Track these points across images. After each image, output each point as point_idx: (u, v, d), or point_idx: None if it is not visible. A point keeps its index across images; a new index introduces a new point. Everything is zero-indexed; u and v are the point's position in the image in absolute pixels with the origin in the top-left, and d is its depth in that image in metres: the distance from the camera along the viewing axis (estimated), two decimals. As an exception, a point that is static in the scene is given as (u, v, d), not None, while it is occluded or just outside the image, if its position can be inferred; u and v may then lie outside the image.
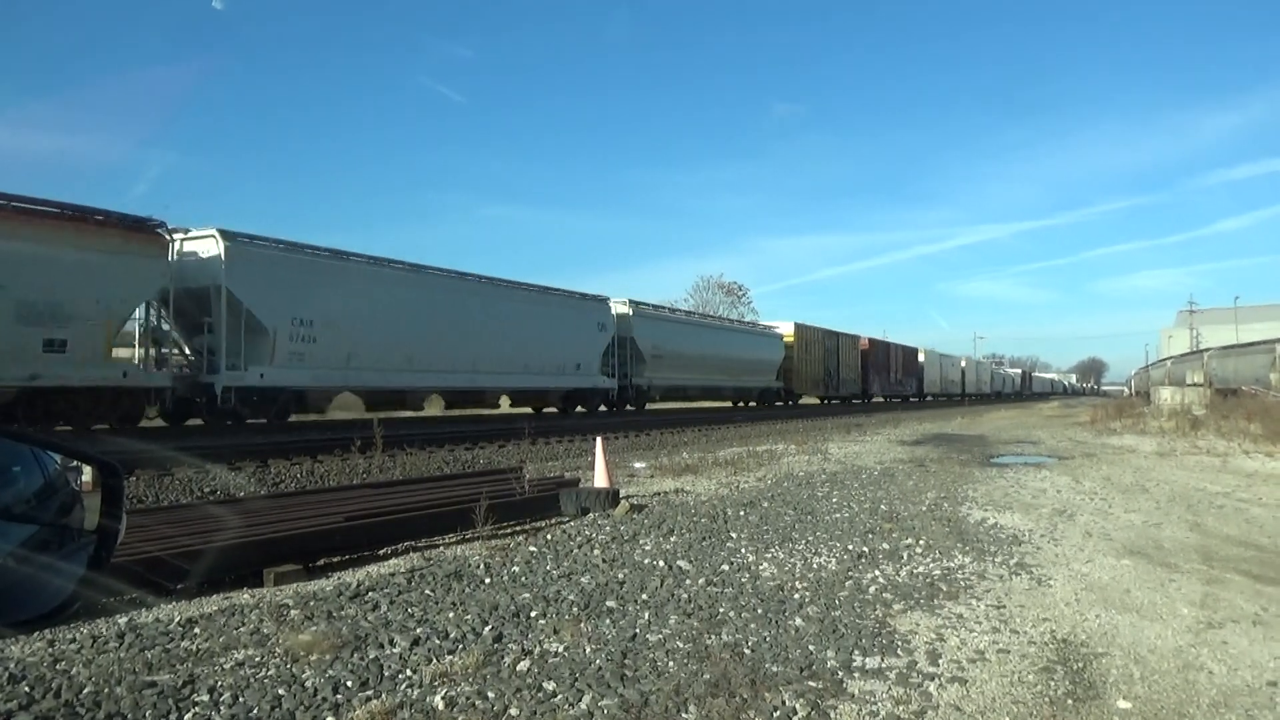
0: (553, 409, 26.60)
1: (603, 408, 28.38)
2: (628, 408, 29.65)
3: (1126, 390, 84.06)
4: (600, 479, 8.20)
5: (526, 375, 24.39)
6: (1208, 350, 45.73)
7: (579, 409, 27.23)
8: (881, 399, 52.94)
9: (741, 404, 37.90)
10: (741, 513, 7.40)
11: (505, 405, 25.43)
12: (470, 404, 23.39)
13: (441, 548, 6.26)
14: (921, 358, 61.81)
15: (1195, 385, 33.73)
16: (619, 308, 29.25)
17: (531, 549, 5.81)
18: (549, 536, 6.30)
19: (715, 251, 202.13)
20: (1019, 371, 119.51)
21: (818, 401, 44.37)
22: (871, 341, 51.41)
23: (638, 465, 12.06)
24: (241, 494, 9.22)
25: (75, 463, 1.41)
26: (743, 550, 5.83)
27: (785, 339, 40.62)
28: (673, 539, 6.16)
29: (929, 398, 62.70)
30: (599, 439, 8.79)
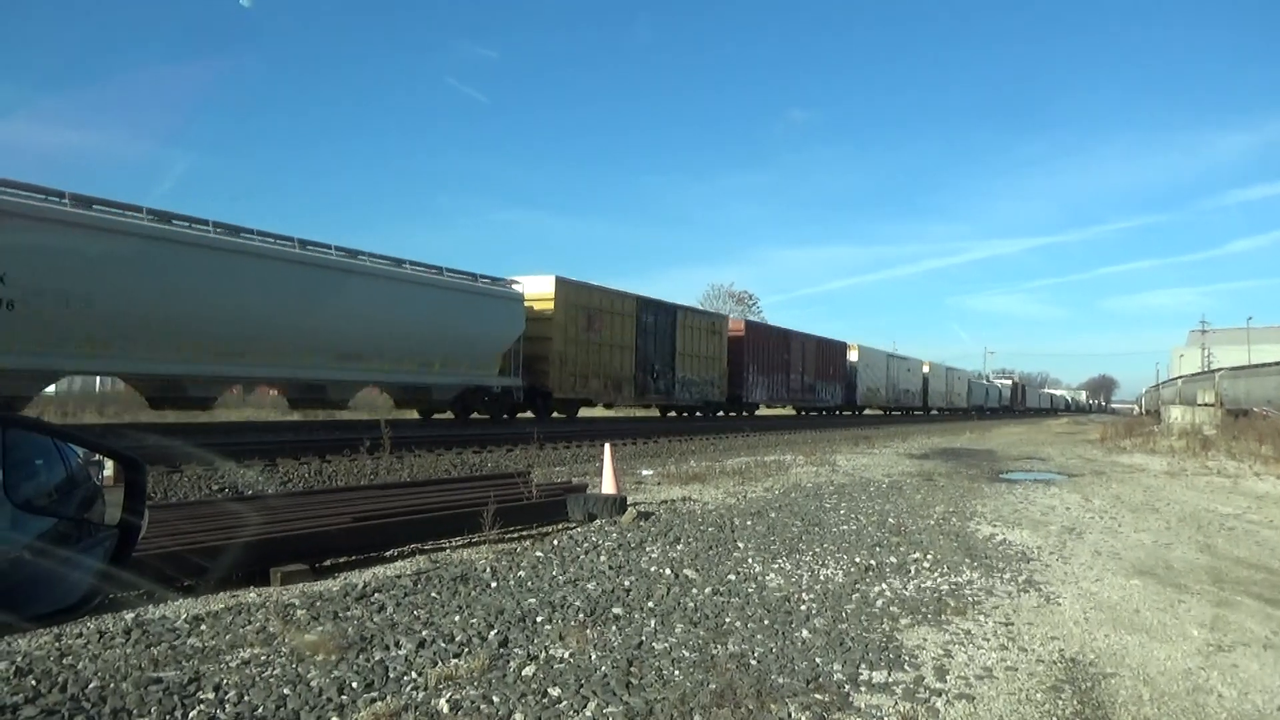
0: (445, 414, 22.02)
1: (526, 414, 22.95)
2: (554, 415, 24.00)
3: (1136, 409, 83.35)
4: (608, 485, 8.19)
5: (396, 370, 19.06)
6: (1219, 370, 45.46)
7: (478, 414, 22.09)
8: (774, 411, 39.53)
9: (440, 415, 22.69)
10: (749, 522, 7.39)
11: (385, 407, 21.11)
12: (317, 402, 18.59)
13: (448, 551, 6.26)
14: (853, 356, 46.86)
15: (1206, 405, 33.53)
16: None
17: (538, 554, 5.81)
18: (556, 542, 6.30)
19: (726, 260, 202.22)
20: (1009, 383, 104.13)
21: (606, 411, 29.57)
22: (751, 326, 37.20)
23: (645, 472, 12.05)
24: (249, 492, 9.25)
25: (97, 456, 1.42)
26: (750, 560, 5.82)
27: (531, 303, 22.86)
28: (679, 547, 6.15)
29: (863, 410, 48.91)
30: (607, 445, 8.78)
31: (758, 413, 37.19)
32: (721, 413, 34.01)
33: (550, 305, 23.83)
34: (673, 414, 32.25)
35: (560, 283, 24.17)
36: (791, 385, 39.14)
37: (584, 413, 27.10)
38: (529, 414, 23.71)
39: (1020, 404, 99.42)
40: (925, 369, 61.72)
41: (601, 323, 25.84)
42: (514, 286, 22.38)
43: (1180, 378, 57.97)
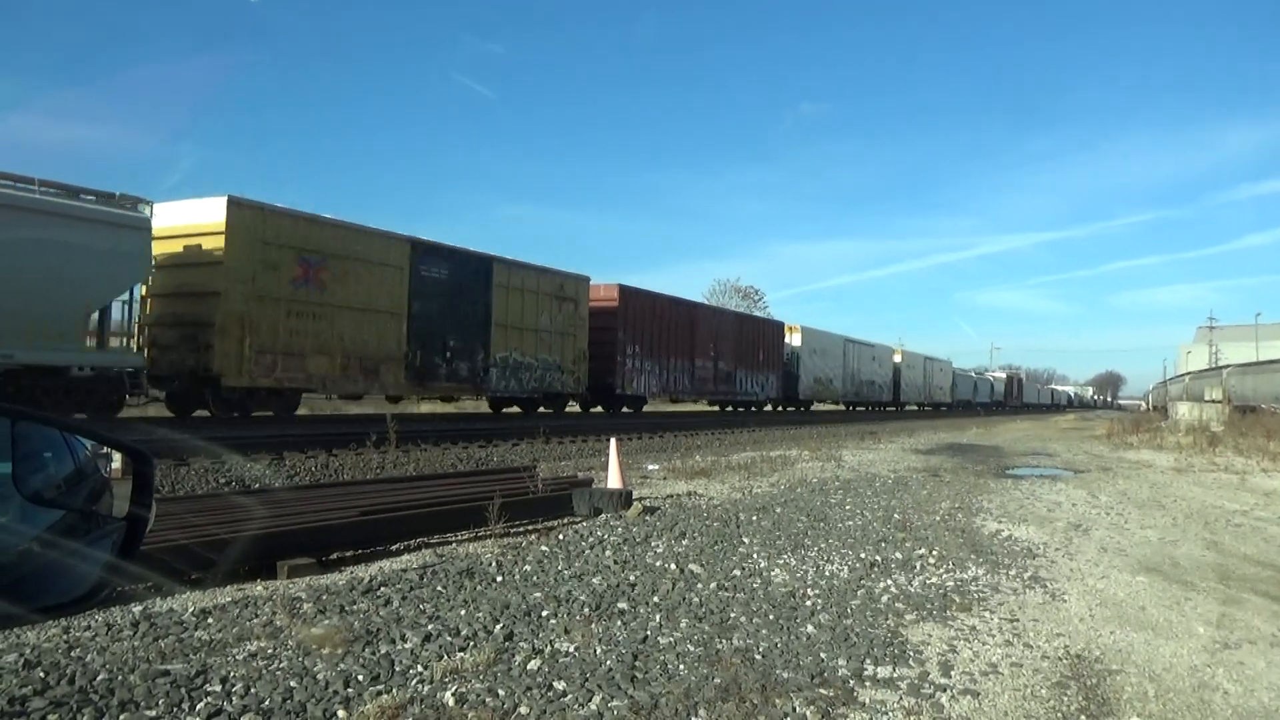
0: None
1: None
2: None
3: (1143, 405, 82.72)
4: (614, 480, 8.19)
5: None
6: (1227, 367, 45.27)
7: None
8: (681, 407, 31.96)
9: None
10: (754, 517, 7.39)
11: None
12: None
13: (454, 545, 6.27)
14: (794, 340, 37.70)
15: (1214, 401, 33.42)
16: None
17: (544, 548, 5.82)
18: (561, 536, 6.31)
19: (733, 255, 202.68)
20: (1002, 376, 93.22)
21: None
22: (630, 295, 25.91)
23: (651, 467, 12.06)
24: (256, 485, 9.28)
25: (105, 449, 1.42)
26: (755, 555, 5.82)
27: (185, 238, 14.77)
28: (685, 542, 6.16)
29: (810, 406, 39.98)
30: (613, 440, 8.79)
31: (645, 409, 27.91)
32: (578, 406, 25.45)
33: (221, 242, 14.67)
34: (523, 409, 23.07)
35: (238, 207, 14.84)
36: (699, 374, 29.41)
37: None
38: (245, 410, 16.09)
39: (1016, 399, 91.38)
40: (897, 357, 52.86)
41: (336, 274, 16.48)
42: (141, 210, 13.44)
43: (1188, 374, 57.76)
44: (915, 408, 55.93)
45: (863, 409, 45.84)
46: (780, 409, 37.80)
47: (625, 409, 26.47)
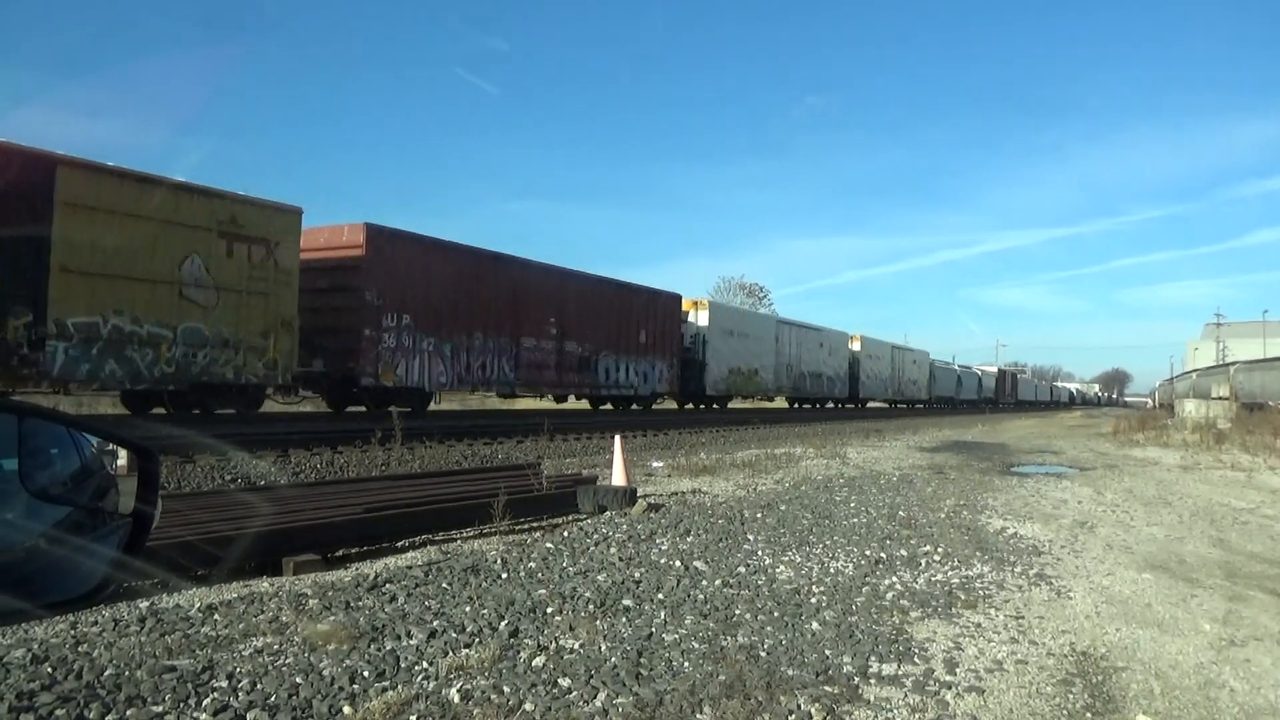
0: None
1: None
2: None
3: (1150, 402, 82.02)
4: (618, 477, 8.20)
5: None
6: (1234, 364, 45.08)
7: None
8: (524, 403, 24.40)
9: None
10: (759, 515, 7.38)
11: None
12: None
13: (459, 542, 6.29)
14: (699, 320, 29.63)
15: (1221, 399, 33.30)
16: None
17: (548, 545, 5.83)
18: (566, 533, 6.31)
19: (738, 250, 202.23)
20: (992, 370, 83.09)
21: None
22: (385, 238, 17.61)
23: (656, 464, 12.06)
24: (262, 482, 9.31)
25: (111, 446, 1.43)
26: (759, 552, 5.82)
27: None
28: (689, 539, 6.16)
29: (726, 403, 32.67)
30: (617, 437, 8.79)
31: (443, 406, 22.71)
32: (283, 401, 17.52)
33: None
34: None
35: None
36: (531, 358, 21.55)
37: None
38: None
39: (1010, 396, 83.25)
40: (854, 345, 44.91)
41: None
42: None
43: (1195, 371, 57.53)
44: (885, 405, 49.38)
45: (808, 405, 39.60)
46: (689, 406, 30.86)
47: (393, 408, 15.52)
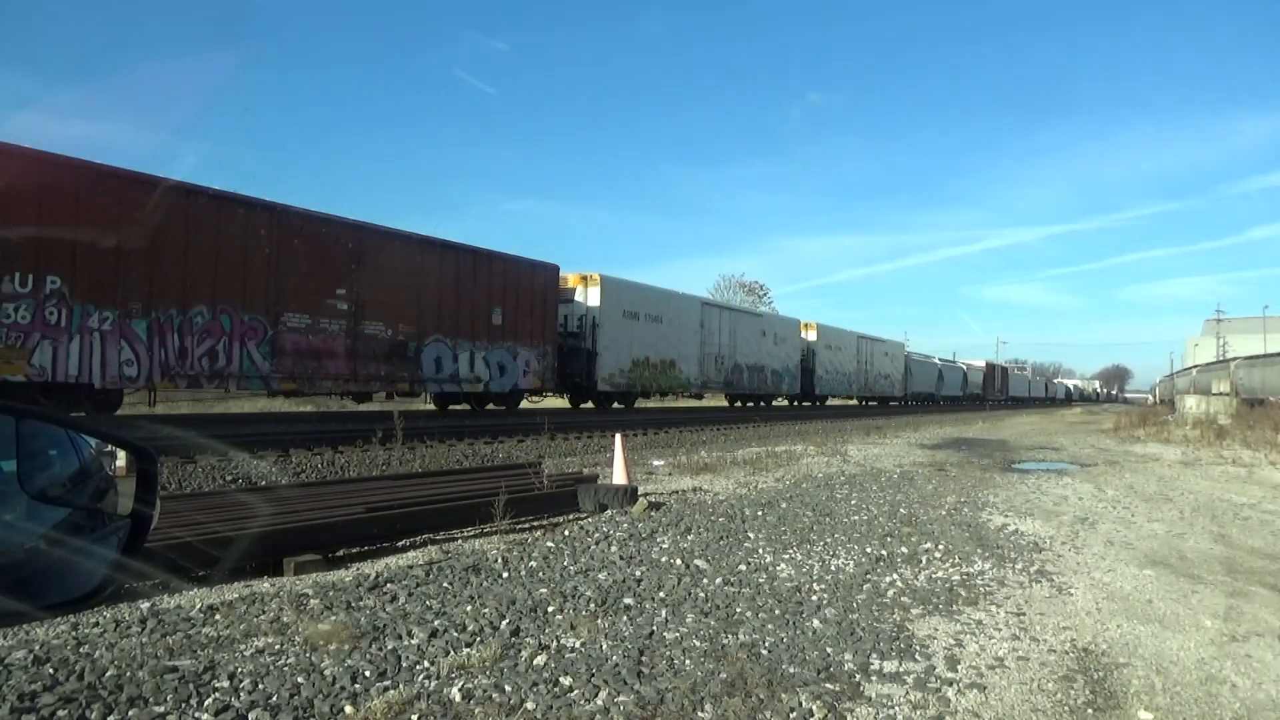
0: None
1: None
2: None
3: (1151, 398, 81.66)
4: (619, 476, 8.20)
5: None
6: (1235, 359, 45.10)
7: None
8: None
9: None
10: (759, 513, 7.38)
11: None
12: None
13: (460, 541, 6.28)
14: (589, 298, 23.92)
15: (1221, 394, 33.28)
16: None
17: (549, 544, 5.83)
18: (567, 532, 6.31)
19: (738, 250, 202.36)
20: (979, 365, 76.14)
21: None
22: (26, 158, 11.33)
23: (656, 463, 12.06)
24: (263, 482, 9.31)
25: (110, 447, 1.43)
26: (760, 550, 5.82)
27: None
28: (690, 537, 6.16)
29: (631, 403, 26.99)
30: (618, 436, 8.79)
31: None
32: None
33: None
34: None
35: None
36: (308, 345, 15.76)
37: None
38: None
39: (999, 393, 77.00)
40: (809, 334, 39.06)
41: None
42: None
43: (1195, 367, 57.53)
44: (854, 402, 45.38)
45: (750, 403, 34.37)
46: (584, 404, 25.46)
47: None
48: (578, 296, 23.95)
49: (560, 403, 24.75)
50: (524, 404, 21.99)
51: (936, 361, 62.79)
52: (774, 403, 36.40)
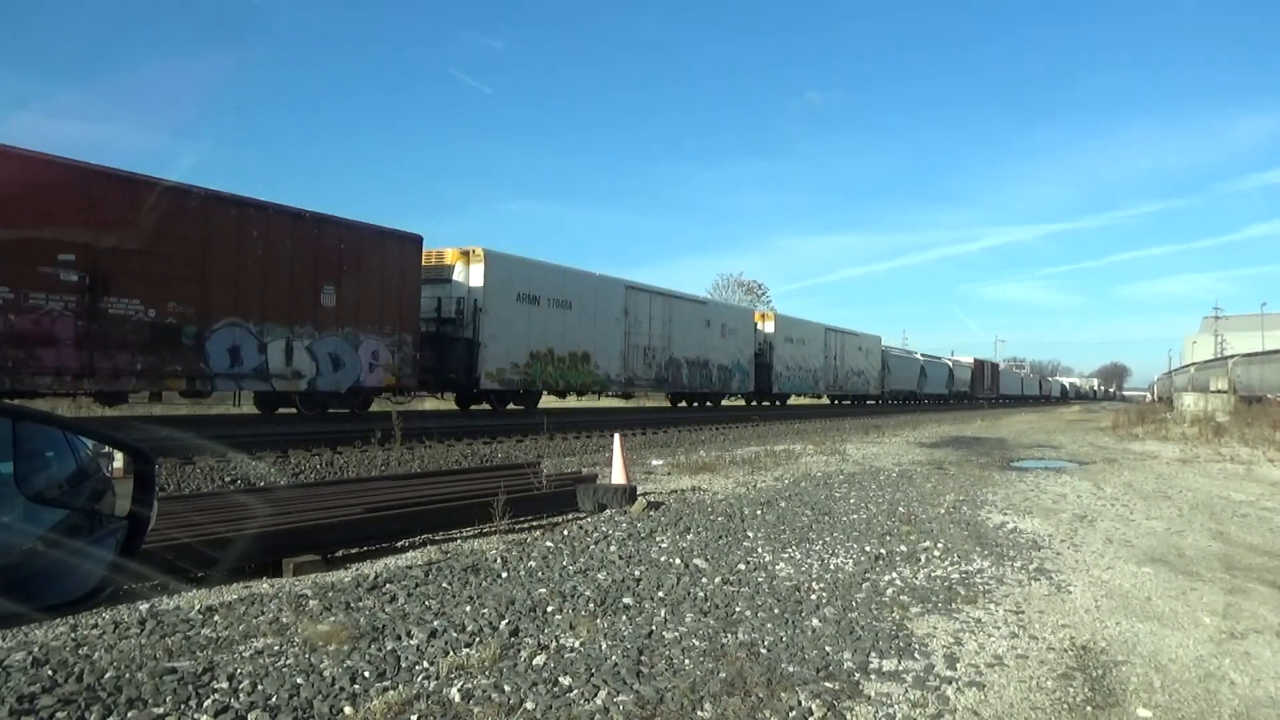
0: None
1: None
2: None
3: (1149, 396, 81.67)
4: (618, 475, 8.20)
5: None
6: (1233, 357, 45.17)
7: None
8: None
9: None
10: (758, 512, 7.39)
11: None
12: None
13: (459, 541, 6.28)
14: (473, 278, 19.65)
15: (1219, 392, 33.31)
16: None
17: (548, 544, 5.83)
18: (566, 532, 6.31)
19: (737, 249, 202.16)
20: (967, 362, 70.24)
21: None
22: None
23: (655, 463, 12.06)
24: (262, 483, 9.31)
25: (107, 449, 1.43)
26: (759, 550, 5.82)
27: None
28: (689, 537, 6.16)
29: (522, 404, 22.30)
30: (617, 435, 8.79)
31: None
32: None
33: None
34: None
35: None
36: (37, 327, 11.54)
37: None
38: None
39: (989, 391, 71.72)
40: (766, 326, 35.11)
41: None
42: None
43: (1193, 364, 57.59)
44: (834, 401, 42.00)
45: (696, 405, 30.81)
46: (466, 409, 21.92)
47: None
48: (457, 276, 19.68)
49: (444, 405, 21.96)
50: (406, 407, 17.11)
51: (919, 357, 58.67)
52: (723, 402, 32.96)
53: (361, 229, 16.83)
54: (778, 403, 36.65)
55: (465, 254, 19.76)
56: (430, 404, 20.05)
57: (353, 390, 16.77)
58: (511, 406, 22.07)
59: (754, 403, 34.57)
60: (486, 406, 21.85)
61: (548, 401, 23.45)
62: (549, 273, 22.34)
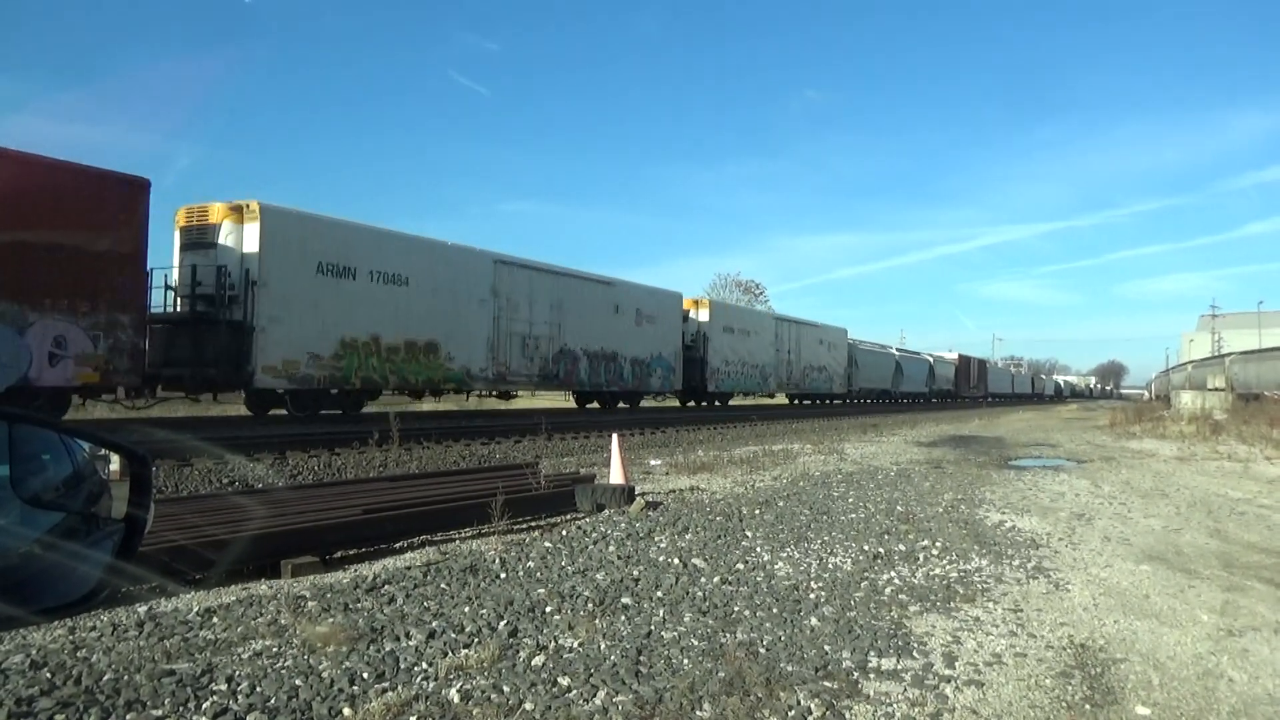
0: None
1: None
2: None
3: (1146, 394, 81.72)
4: (616, 476, 8.19)
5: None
6: (1230, 355, 45.25)
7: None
8: None
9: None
10: (757, 511, 7.39)
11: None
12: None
13: (457, 542, 6.28)
14: (247, 242, 14.89)
15: (1217, 390, 33.37)
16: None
17: (547, 544, 5.82)
18: (564, 532, 6.31)
19: (735, 249, 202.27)
20: (951, 358, 65.38)
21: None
22: None
23: (654, 463, 12.06)
24: (260, 485, 9.30)
25: (104, 451, 1.42)
26: (758, 549, 5.82)
27: None
28: (688, 537, 6.16)
29: (327, 407, 17.16)
30: (615, 436, 8.79)
31: None
32: None
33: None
34: None
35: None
36: None
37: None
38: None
39: (975, 389, 67.85)
40: (700, 314, 30.56)
41: None
42: None
43: (1190, 362, 57.68)
44: (797, 400, 39.01)
45: (599, 405, 26.33)
46: (253, 412, 17.53)
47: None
48: (224, 238, 15.07)
49: (206, 410, 17.59)
50: (142, 413, 14.03)
51: (894, 352, 54.27)
52: (642, 402, 28.88)
53: (30, 161, 11.75)
54: (714, 402, 32.17)
55: (238, 209, 15.18)
56: (185, 410, 15.67)
57: (19, 390, 11.65)
58: (330, 412, 17.36)
59: (687, 403, 31.09)
60: (283, 411, 17.08)
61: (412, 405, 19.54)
62: (372, 238, 17.44)
